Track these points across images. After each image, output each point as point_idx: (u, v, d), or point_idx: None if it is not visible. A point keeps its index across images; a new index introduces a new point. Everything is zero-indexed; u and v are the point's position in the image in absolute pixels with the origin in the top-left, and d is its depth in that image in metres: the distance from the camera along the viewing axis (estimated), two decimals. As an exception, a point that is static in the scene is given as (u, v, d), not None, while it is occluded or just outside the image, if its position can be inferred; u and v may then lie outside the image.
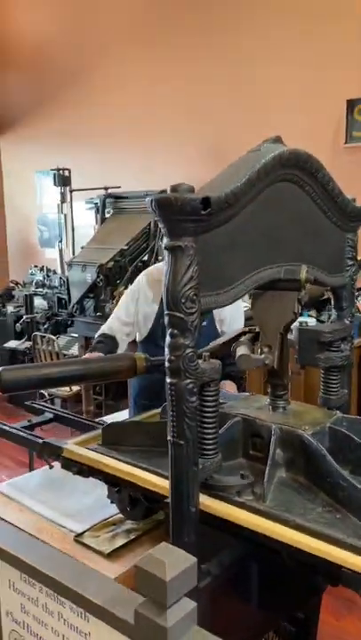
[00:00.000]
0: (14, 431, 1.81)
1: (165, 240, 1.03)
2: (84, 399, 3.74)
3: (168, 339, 1.06)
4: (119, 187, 5.29)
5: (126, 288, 4.31)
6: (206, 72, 5.21)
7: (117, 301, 4.12)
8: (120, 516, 1.65)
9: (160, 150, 5.63)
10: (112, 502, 1.62)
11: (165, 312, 1.06)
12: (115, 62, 6.04)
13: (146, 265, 4.53)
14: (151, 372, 1.61)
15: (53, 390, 4.30)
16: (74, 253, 5.55)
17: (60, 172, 5.58)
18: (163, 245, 1.04)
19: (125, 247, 4.45)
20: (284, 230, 1.30)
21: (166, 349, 1.06)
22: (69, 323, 4.89)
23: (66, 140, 6.66)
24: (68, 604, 0.96)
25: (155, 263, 4.51)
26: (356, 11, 4.18)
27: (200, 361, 1.08)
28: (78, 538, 1.58)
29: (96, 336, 2.46)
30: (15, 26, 7.11)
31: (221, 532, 1.20)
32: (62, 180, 5.55)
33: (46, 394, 4.47)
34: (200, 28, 5.22)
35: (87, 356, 2.20)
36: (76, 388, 4.19)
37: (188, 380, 1.05)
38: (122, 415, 3.49)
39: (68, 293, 4.88)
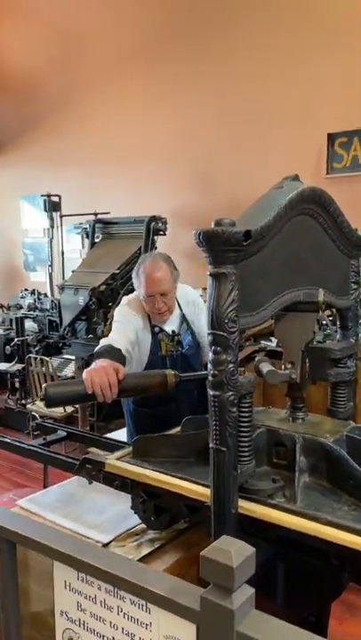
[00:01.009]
0: (43, 451, 1.89)
1: (210, 268, 1.16)
2: (80, 420, 3.81)
3: (211, 355, 1.18)
4: (108, 212, 5.43)
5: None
6: (194, 102, 5.43)
7: (110, 324, 4.22)
8: (142, 526, 1.74)
9: (149, 177, 5.81)
10: (135, 513, 1.71)
11: (209, 331, 1.18)
12: (104, 89, 6.23)
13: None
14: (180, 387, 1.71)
15: (47, 412, 4.34)
16: (63, 277, 5.64)
17: (50, 197, 5.69)
18: (207, 273, 1.17)
19: (117, 271, 4.57)
20: (302, 258, 1.44)
21: (210, 365, 1.18)
22: (60, 345, 4.95)
23: (53, 165, 6.79)
24: (129, 598, 1.05)
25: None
26: (337, 49, 4.46)
27: (238, 375, 1.20)
28: (105, 548, 1.66)
29: (100, 345, 2.15)
30: (5, 52, 7.27)
31: (250, 535, 1.31)
32: (52, 205, 5.66)
33: (37, 416, 4.51)
34: (189, 58, 5.45)
35: (97, 365, 1.89)
36: (69, 409, 4.25)
37: (230, 393, 1.17)
38: (119, 434, 3.57)
39: (60, 316, 4.96)
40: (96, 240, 5.26)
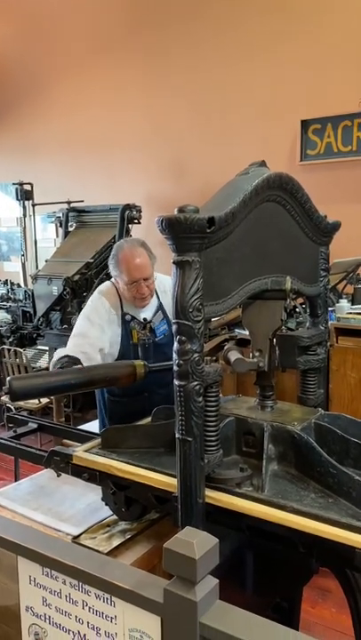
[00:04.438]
0: (11, 444, 1.87)
1: (174, 256, 1.14)
2: (55, 411, 3.77)
3: (176, 345, 1.16)
4: (82, 200, 5.35)
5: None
6: (167, 90, 5.37)
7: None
8: (114, 517, 1.72)
9: (123, 165, 5.74)
10: (106, 504, 1.69)
11: (173, 320, 1.17)
12: (76, 76, 6.11)
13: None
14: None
15: (21, 403, 4.29)
16: (37, 267, 5.55)
17: (22, 185, 5.58)
18: (171, 260, 1.14)
19: (91, 260, 4.51)
20: (269, 245, 1.43)
21: (175, 355, 1.17)
22: (35, 336, 4.89)
23: (25, 153, 6.67)
24: (94, 592, 1.03)
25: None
26: (308, 35, 4.44)
27: (204, 364, 1.19)
28: (76, 540, 1.65)
29: (58, 357, 2.13)
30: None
31: (221, 524, 1.30)
32: (24, 193, 5.55)
33: (13, 407, 4.45)
34: (160, 46, 5.37)
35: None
36: (44, 401, 4.21)
37: (196, 382, 1.16)
38: (95, 425, 3.54)
39: (34, 306, 4.89)
40: (70, 229, 5.18)
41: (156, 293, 2.37)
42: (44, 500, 1.91)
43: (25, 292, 5.17)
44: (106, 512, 1.74)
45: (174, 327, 1.16)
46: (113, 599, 1.01)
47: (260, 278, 1.39)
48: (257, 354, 1.43)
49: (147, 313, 2.34)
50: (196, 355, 1.15)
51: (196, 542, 0.89)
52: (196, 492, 1.19)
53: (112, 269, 2.28)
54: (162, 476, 1.35)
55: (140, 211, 4.80)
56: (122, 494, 1.59)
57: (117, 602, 1.00)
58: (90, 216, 5.10)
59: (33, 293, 4.93)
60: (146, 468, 1.40)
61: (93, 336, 2.25)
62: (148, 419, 1.74)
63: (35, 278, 4.74)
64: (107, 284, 2.41)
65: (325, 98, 4.37)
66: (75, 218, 5.16)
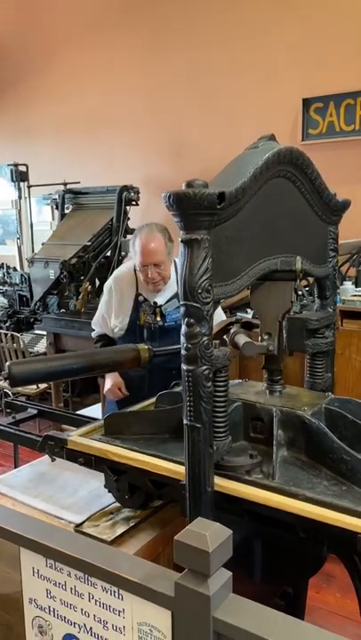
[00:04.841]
0: (9, 430, 1.82)
1: (182, 234, 1.08)
2: (53, 396, 3.72)
3: (185, 328, 1.11)
4: (78, 182, 5.24)
5: (91, 284, 4.33)
6: (165, 69, 5.24)
7: (83, 297, 4.12)
8: (117, 504, 1.68)
9: (120, 146, 5.62)
10: (109, 491, 1.65)
11: (181, 302, 1.11)
12: (72, 58, 5.97)
13: (109, 260, 4.54)
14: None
15: (19, 388, 4.24)
16: (33, 250, 5.46)
17: (17, 167, 5.46)
18: (179, 239, 1.08)
19: (88, 243, 4.42)
20: (279, 223, 1.37)
21: (183, 338, 1.11)
22: (32, 320, 4.82)
23: (19, 133, 6.53)
24: (100, 585, 0.99)
25: (118, 259, 4.52)
26: (310, 12, 4.32)
27: (213, 348, 1.14)
28: (79, 528, 1.61)
29: (94, 335, 2.60)
30: None
31: (228, 512, 1.26)
32: (19, 175, 5.44)
33: (10, 392, 4.41)
34: (158, 26, 5.24)
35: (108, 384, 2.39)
36: (42, 386, 4.16)
37: (205, 367, 1.11)
38: (94, 409, 3.50)
39: (30, 290, 4.81)
40: (66, 211, 5.08)
41: (177, 280, 2.37)
42: (44, 488, 1.87)
43: (21, 275, 5.09)
44: (108, 499, 1.70)
45: (182, 309, 1.11)
46: (121, 592, 0.97)
47: (269, 258, 1.33)
48: (266, 337, 1.38)
49: (160, 298, 2.40)
50: (205, 338, 1.10)
51: (209, 534, 0.85)
52: (204, 480, 1.14)
53: (130, 249, 2.42)
54: (158, 461, 1.31)
55: (137, 192, 4.70)
56: (125, 481, 1.54)
57: (125, 595, 0.96)
58: (86, 198, 4.99)
59: (29, 277, 4.86)
60: (143, 453, 1.35)
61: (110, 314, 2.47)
62: (146, 402, 1.70)
63: (31, 262, 4.66)
64: (129, 263, 2.58)
65: (327, 76, 4.27)
66: (71, 200, 5.06)
